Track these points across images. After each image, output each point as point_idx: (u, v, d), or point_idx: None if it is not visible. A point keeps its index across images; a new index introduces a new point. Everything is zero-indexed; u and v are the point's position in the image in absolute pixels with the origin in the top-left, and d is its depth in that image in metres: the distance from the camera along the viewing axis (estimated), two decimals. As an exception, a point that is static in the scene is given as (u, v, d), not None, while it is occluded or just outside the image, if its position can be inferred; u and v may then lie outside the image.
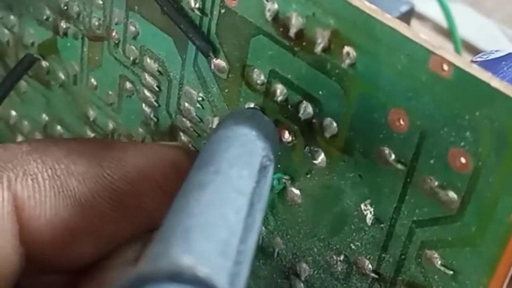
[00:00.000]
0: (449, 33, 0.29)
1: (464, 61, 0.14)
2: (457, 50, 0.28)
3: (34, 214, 0.14)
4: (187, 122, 0.19)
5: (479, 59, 0.19)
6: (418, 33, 0.14)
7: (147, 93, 0.20)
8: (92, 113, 0.22)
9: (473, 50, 0.30)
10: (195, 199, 0.13)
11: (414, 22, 0.31)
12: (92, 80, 0.21)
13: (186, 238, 0.12)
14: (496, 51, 0.19)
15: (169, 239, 0.12)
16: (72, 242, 0.15)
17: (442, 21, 0.30)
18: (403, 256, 0.16)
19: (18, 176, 0.14)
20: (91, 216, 0.15)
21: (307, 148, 0.17)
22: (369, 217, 0.16)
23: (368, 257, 0.16)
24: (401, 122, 0.15)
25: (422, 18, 0.32)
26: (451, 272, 0.15)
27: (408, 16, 0.28)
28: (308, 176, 0.17)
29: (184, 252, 0.12)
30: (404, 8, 0.28)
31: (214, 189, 0.13)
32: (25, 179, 0.14)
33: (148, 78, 0.20)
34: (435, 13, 0.30)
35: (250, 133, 0.15)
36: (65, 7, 0.21)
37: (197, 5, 0.17)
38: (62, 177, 0.15)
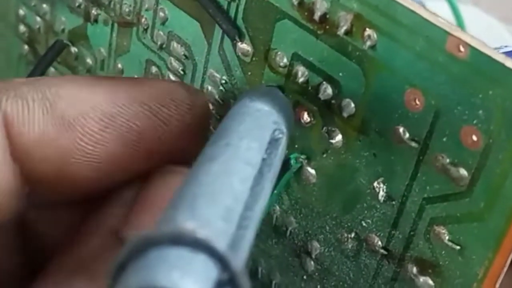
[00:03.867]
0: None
1: (479, 43, 0.15)
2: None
3: (23, 130, 0.15)
4: (209, 105, 0.20)
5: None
6: (437, 15, 0.15)
7: (172, 77, 0.21)
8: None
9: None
10: (204, 171, 0.14)
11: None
12: (119, 65, 0.22)
13: (192, 205, 0.13)
14: (506, 46, 0.19)
15: (177, 207, 0.13)
16: (64, 163, 0.15)
17: (451, 21, 0.31)
18: (412, 233, 0.16)
19: (9, 97, 0.15)
20: (79, 136, 0.15)
21: (324, 128, 0.17)
22: (381, 195, 0.17)
23: (378, 234, 0.17)
24: (417, 101, 0.16)
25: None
26: (458, 247, 0.16)
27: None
28: (324, 155, 0.18)
29: (188, 218, 0.13)
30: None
31: (223, 160, 0.14)
32: (15, 100, 0.15)
33: (174, 63, 0.20)
34: (445, 13, 0.31)
35: (263, 108, 0.16)
36: (97, -5, 0.22)
37: (226, -10, 0.18)
38: (51, 98, 0.15)
